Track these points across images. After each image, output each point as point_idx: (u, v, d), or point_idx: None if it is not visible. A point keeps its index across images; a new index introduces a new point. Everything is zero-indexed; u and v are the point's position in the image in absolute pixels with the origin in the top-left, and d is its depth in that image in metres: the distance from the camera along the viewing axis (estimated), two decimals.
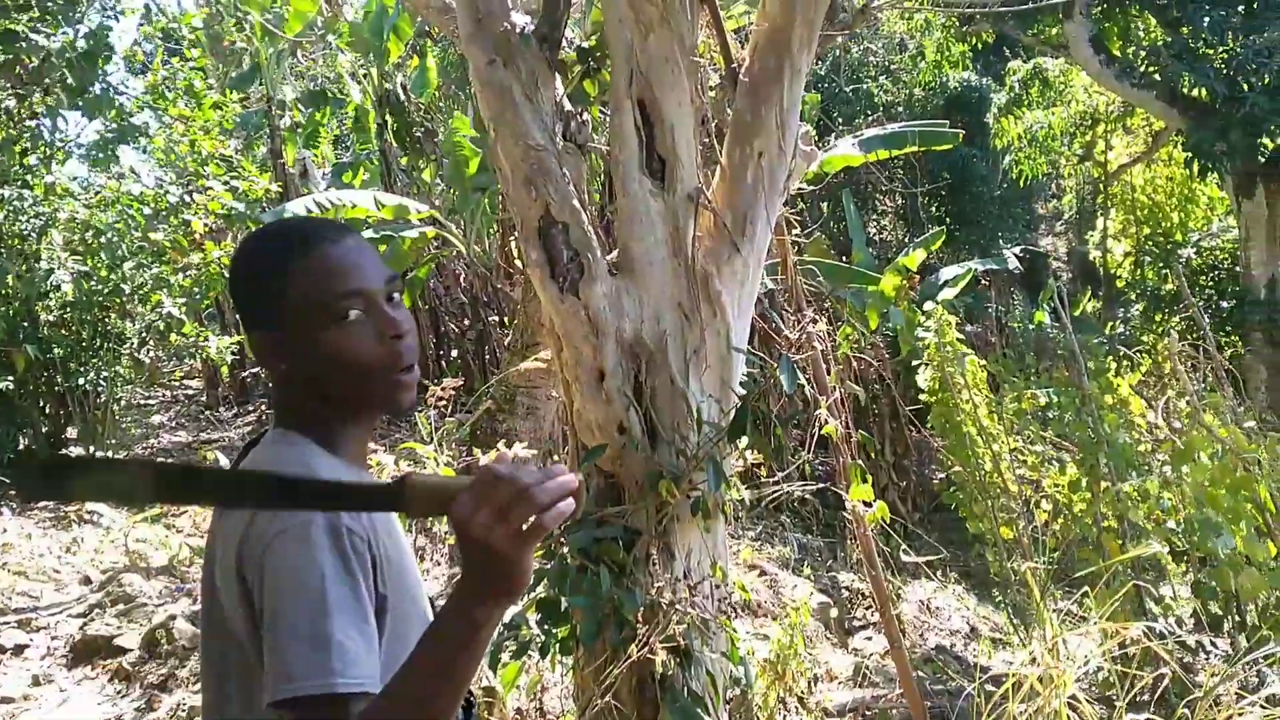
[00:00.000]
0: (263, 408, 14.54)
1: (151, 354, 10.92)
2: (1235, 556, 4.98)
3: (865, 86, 14.42)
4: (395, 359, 1.42)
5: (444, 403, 6.52)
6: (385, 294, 1.44)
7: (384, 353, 1.41)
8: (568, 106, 3.84)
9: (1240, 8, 11.68)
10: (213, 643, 1.40)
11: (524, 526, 1.13)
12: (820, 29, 3.88)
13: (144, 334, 10.15)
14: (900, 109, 14.45)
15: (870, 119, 13.18)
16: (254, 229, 1.63)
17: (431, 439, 6.06)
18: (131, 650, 5.12)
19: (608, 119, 3.84)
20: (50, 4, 5.74)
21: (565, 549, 3.22)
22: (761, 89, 3.62)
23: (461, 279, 12.45)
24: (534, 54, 3.65)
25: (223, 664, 1.37)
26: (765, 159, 3.63)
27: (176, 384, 17.05)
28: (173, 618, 5.20)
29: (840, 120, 13.54)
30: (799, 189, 4.22)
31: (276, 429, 1.46)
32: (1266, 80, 10.86)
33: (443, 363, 12.29)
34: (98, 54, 6.30)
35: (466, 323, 12.04)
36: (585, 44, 4.01)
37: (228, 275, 1.59)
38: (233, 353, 13.60)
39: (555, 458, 7.15)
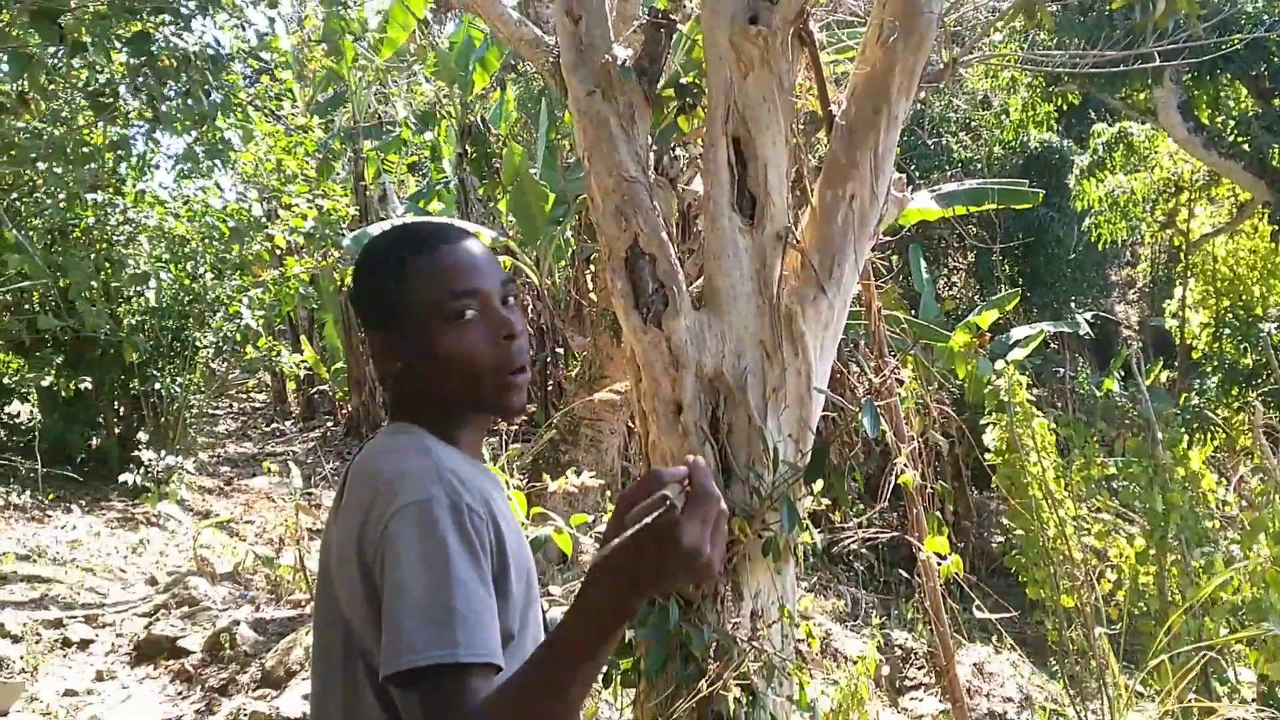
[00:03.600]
0: (328, 425, 14.74)
1: (225, 364, 11.14)
2: None
3: (945, 141, 14.35)
4: (507, 360, 1.44)
5: (511, 430, 6.55)
6: (501, 296, 1.47)
7: (496, 353, 1.43)
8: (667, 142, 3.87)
9: None
10: (324, 633, 1.40)
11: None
12: (918, 77, 3.89)
13: (220, 344, 10.37)
14: (979, 166, 14.36)
15: (949, 174, 13.10)
16: (378, 232, 1.65)
17: (497, 463, 6.10)
18: (194, 652, 5.19)
19: (699, 156, 3.87)
20: (181, 6, 5.92)
21: None
22: (858, 132, 3.63)
23: (530, 309, 12.56)
24: (632, 87, 3.70)
25: (330, 655, 1.37)
26: (857, 202, 3.63)
27: (244, 396, 17.38)
28: (236, 623, 5.27)
29: (918, 173, 13.48)
30: (876, 239, 4.21)
31: (393, 424, 1.48)
32: None
33: None
34: (221, 62, 6.47)
35: (533, 353, 12.15)
36: (684, 80, 4.04)
37: (351, 278, 1.61)
38: (304, 368, 13.87)
39: (612, 492, 7.15)
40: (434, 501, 1.26)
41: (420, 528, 1.24)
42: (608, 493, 6.90)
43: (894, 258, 12.60)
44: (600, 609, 1.14)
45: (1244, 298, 13.62)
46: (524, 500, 4.18)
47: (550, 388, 12.04)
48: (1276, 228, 11.60)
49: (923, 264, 12.02)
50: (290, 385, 16.55)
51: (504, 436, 7.80)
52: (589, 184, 3.67)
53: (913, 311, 11.15)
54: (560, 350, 12.07)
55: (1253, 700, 5.41)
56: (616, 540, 1.12)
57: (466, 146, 12.94)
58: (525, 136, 14.13)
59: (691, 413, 3.39)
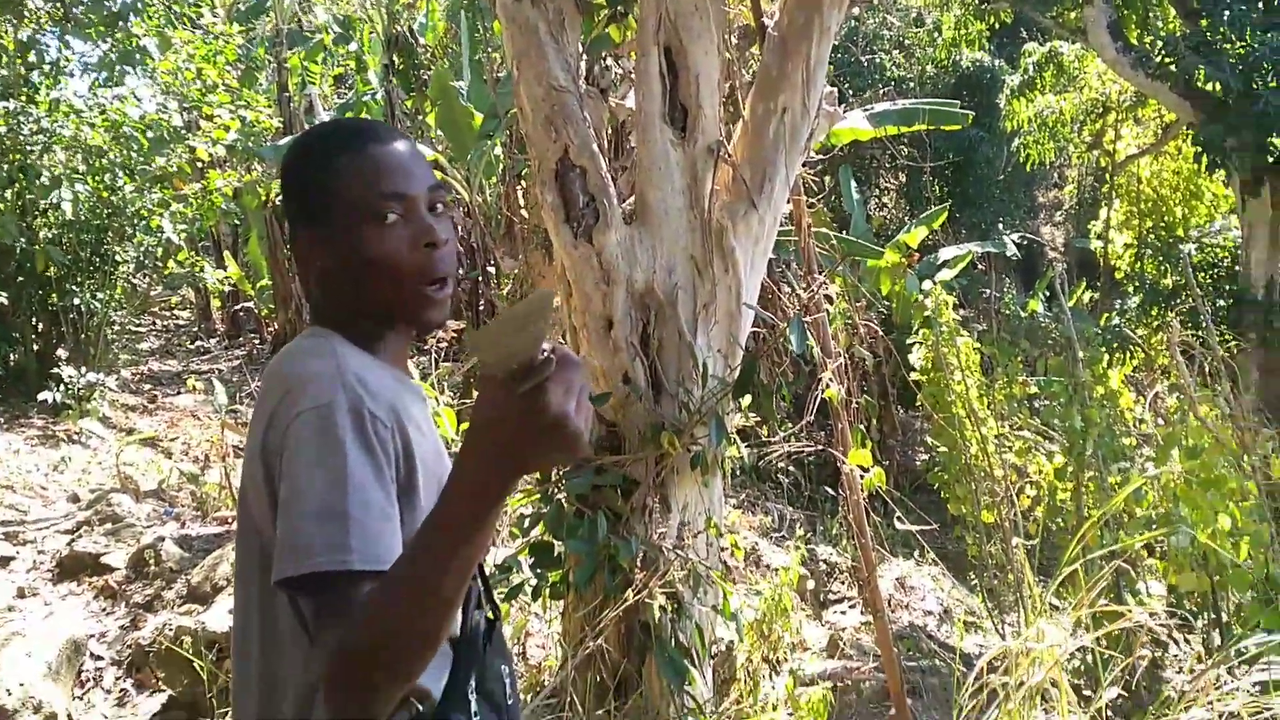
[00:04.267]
0: (254, 342, 14.49)
1: (147, 279, 10.85)
2: (1191, 552, 4.99)
3: (878, 59, 14.30)
4: (426, 268, 1.40)
5: (442, 349, 6.50)
6: (429, 201, 1.42)
7: (416, 259, 1.39)
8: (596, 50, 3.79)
9: (1260, 3, 11.57)
10: (241, 545, 1.38)
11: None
12: None
13: (141, 259, 10.08)
14: (912, 85, 14.35)
15: (881, 93, 13.08)
16: (311, 127, 1.60)
17: (426, 381, 6.06)
18: (118, 569, 5.13)
19: (632, 68, 3.81)
20: None
21: (562, 494, 3.22)
22: (790, 44, 3.59)
23: (459, 227, 12.38)
24: None
25: (247, 567, 1.35)
26: (789, 115, 3.61)
27: (167, 314, 16.98)
28: (161, 539, 5.21)
29: (851, 91, 13.45)
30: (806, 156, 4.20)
31: (311, 327, 1.45)
32: None
33: None
34: None
35: (462, 271, 11.99)
36: None
37: (279, 173, 1.56)
38: (228, 285, 13.56)
39: None
40: (334, 406, 1.23)
41: (319, 434, 1.21)
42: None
43: (825, 177, 12.61)
44: (473, 482, 1.08)
45: (1166, 219, 13.91)
46: (454, 417, 4.18)
47: (481, 307, 11.94)
48: (1199, 149, 11.78)
49: (853, 183, 12.07)
50: (215, 303, 16.21)
51: (433, 355, 7.74)
52: (518, 94, 3.60)
53: (843, 232, 11.22)
54: (491, 269, 11.94)
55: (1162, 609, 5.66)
56: (481, 396, 1.08)
57: (393, 58, 12.59)
58: (454, 49, 13.78)
59: (622, 328, 3.39)
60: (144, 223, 9.51)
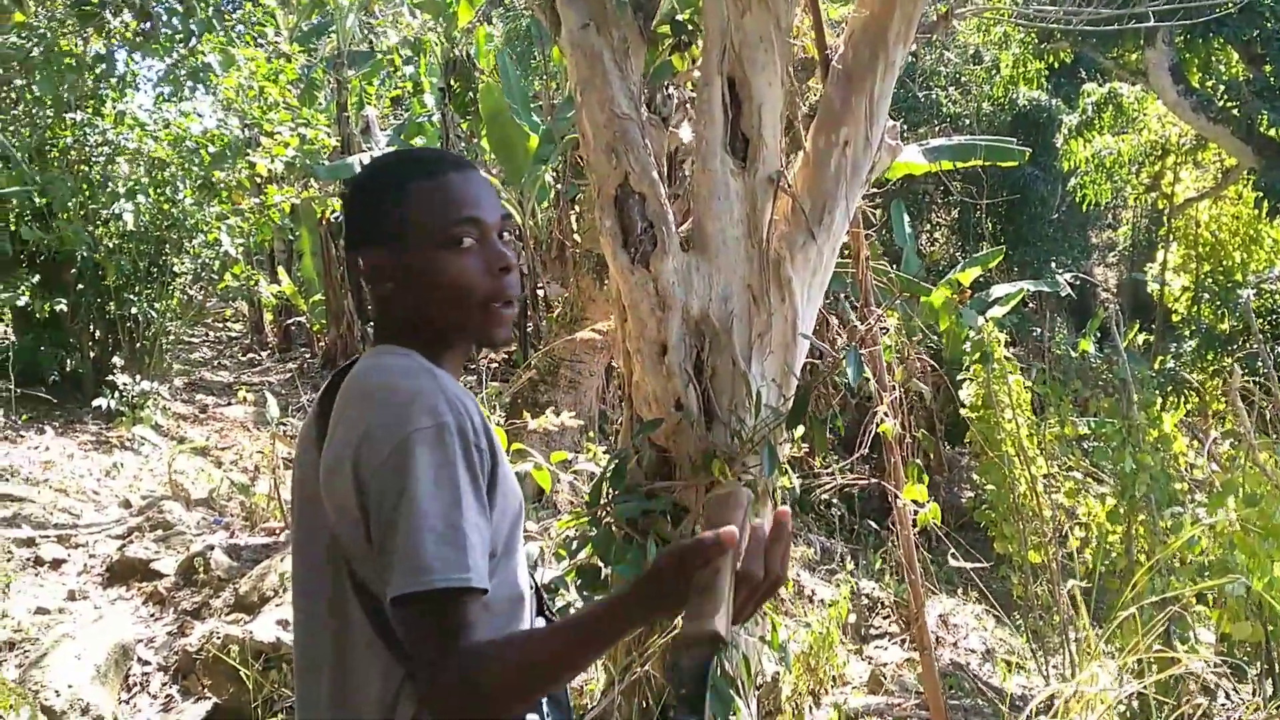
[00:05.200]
0: (304, 357, 14.67)
1: (203, 291, 11.04)
2: (1246, 601, 4.88)
3: (934, 95, 14.27)
4: (499, 291, 1.46)
5: (490, 369, 6.55)
6: (498, 229, 1.49)
7: (490, 283, 1.45)
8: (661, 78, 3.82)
9: None
10: (305, 551, 1.42)
11: None
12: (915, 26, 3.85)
13: (198, 270, 10.26)
14: (968, 121, 14.29)
15: (937, 128, 13.04)
16: (380, 154, 1.66)
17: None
18: (167, 575, 5.20)
19: (691, 97, 3.83)
20: None
21: (611, 518, 3.22)
22: (854, 77, 3.60)
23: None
24: (628, 21, 3.65)
25: (314, 569, 1.38)
26: (850, 148, 3.60)
27: (220, 325, 17.26)
28: (210, 548, 5.27)
29: (906, 127, 13.41)
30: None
31: (378, 346, 1.48)
32: None
33: None
34: None
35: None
36: (679, 16, 3.99)
37: (345, 193, 1.61)
38: (281, 300, 13.75)
39: (592, 434, 7.16)
40: (445, 427, 1.28)
41: (435, 453, 1.26)
42: (589, 433, 6.92)
43: (878, 211, 12.57)
44: (659, 599, 1.21)
45: (1224, 263, 13.71)
46: (504, 436, 4.19)
47: (530, 329, 12.01)
48: (1260, 194, 11.63)
49: (905, 218, 12.02)
50: (268, 316, 16.45)
51: (483, 375, 7.79)
52: (580, 119, 3.63)
53: (895, 266, 11.17)
54: (541, 291, 12.02)
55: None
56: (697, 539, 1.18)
57: (450, 81, 12.77)
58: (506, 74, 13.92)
59: (676, 354, 3.39)
60: (202, 235, 9.70)
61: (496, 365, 8.89)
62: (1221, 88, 12.19)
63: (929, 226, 15.61)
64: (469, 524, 1.24)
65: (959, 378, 7.59)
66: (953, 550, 4.78)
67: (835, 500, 8.01)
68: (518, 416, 6.66)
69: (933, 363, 9.77)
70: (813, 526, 8.60)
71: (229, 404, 10.80)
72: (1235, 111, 11.70)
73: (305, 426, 1.49)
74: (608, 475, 3.25)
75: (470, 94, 12.65)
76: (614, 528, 3.21)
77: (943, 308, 9.85)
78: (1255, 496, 5.27)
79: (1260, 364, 7.80)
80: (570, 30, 3.61)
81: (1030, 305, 14.42)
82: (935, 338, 9.43)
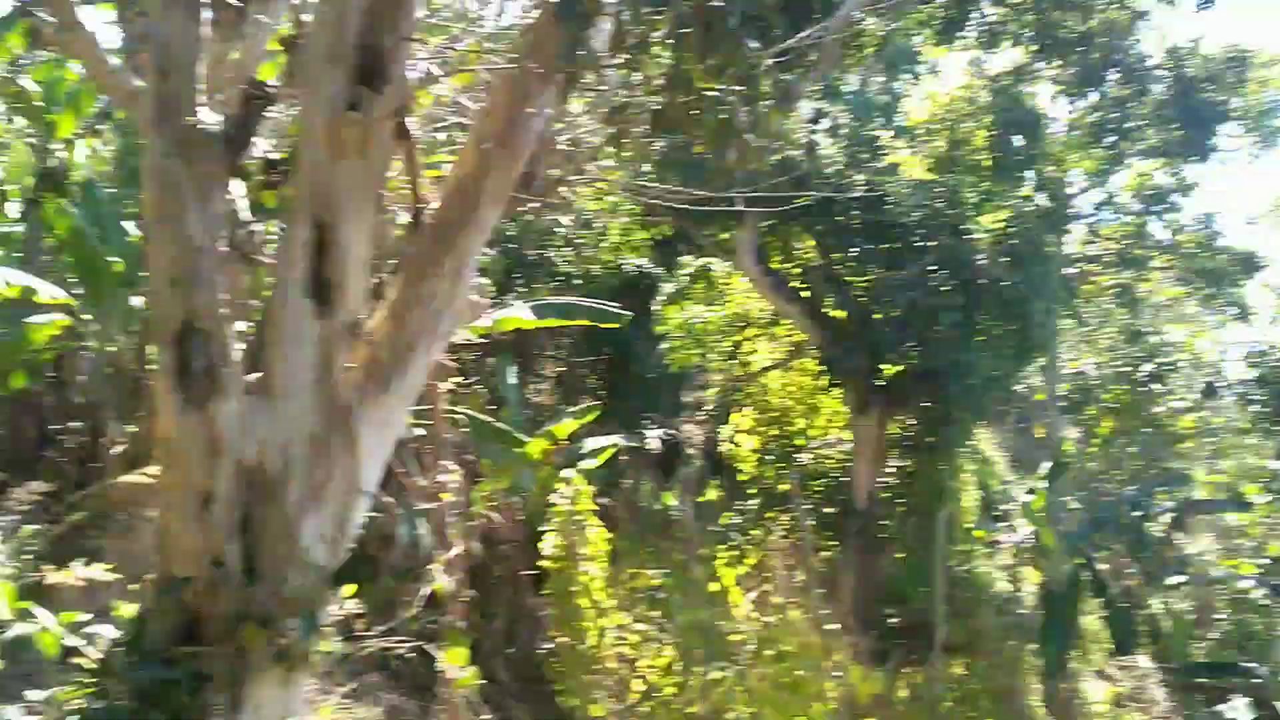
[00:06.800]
0: None
1: None
2: None
3: (549, 254, 14.88)
4: None
5: (25, 508, 5.79)
6: None
7: None
8: (244, 214, 3.69)
9: (885, 245, 13.19)
10: None
11: None
12: (513, 189, 3.99)
13: None
14: (579, 281, 15.00)
15: (550, 286, 13.61)
16: None
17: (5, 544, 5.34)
18: None
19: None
20: None
21: (122, 688, 2.87)
22: (443, 233, 3.66)
23: (79, 378, 11.16)
24: (217, 154, 3.50)
25: None
26: (434, 302, 3.64)
27: None
28: None
29: (520, 282, 13.90)
30: (468, 340, 4.24)
31: None
32: (894, 313, 12.37)
33: (36, 465, 10.76)
34: None
35: (79, 425, 10.72)
36: (274, 154, 3.89)
37: None
38: None
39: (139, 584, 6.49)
40: None
41: None
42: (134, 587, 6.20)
43: (488, 359, 12.80)
44: None
45: (788, 429, 15.24)
46: (12, 592, 3.69)
47: (89, 468, 10.70)
48: (824, 367, 13.16)
49: (511, 370, 12.31)
50: None
51: (23, 515, 6.83)
52: (150, 250, 3.41)
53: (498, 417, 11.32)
54: (118, 427, 10.81)
55: None
56: None
57: (43, 193, 11.58)
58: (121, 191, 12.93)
59: (221, 506, 3.16)
60: None
61: (42, 504, 7.73)
62: (797, 270, 13.76)
63: (540, 378, 16.04)
64: None
65: (540, 529, 7.76)
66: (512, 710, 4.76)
67: (405, 654, 7.76)
68: (61, 564, 5.95)
69: (521, 514, 9.93)
70: (384, 684, 8.24)
71: None
72: (806, 293, 13.23)
73: None
74: (123, 639, 2.92)
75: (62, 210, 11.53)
76: (123, 699, 2.87)
77: (538, 459, 10.08)
78: (783, 655, 5.78)
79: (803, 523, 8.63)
80: (152, 157, 3.40)
81: (625, 458, 15.09)
82: (527, 489, 9.59)
